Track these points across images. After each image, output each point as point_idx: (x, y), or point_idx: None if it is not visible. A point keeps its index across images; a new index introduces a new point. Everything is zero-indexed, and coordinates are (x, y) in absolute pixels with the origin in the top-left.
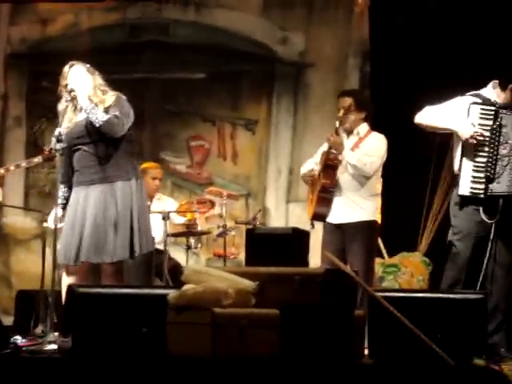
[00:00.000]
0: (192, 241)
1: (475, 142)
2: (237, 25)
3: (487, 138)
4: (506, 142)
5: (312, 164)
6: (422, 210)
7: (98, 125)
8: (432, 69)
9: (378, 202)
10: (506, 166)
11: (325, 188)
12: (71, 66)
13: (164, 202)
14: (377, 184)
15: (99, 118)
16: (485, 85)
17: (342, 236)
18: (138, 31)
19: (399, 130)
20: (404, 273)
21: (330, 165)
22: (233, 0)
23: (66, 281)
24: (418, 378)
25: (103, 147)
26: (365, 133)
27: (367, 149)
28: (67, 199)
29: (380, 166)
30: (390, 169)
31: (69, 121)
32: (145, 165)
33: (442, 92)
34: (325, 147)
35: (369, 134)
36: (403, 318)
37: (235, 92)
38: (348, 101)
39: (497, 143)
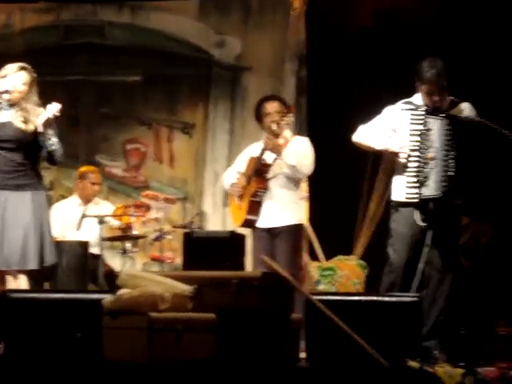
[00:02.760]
0: (128, 245)
1: (406, 154)
2: (173, 28)
3: (417, 143)
4: (432, 146)
5: (234, 174)
6: (357, 213)
7: (50, 148)
8: (369, 73)
9: (307, 204)
10: (433, 169)
11: (257, 192)
12: (21, 69)
13: (100, 206)
14: (304, 186)
15: (54, 141)
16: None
17: (271, 240)
18: (73, 33)
19: (335, 134)
20: (340, 276)
21: (262, 170)
22: (169, 3)
23: None
24: (355, 381)
25: (22, 154)
26: (289, 136)
27: (298, 151)
28: None
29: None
30: (326, 173)
31: None
32: (84, 168)
33: (378, 96)
34: (246, 154)
35: (292, 138)
36: (340, 321)
37: (172, 95)
38: (278, 105)
39: (425, 147)
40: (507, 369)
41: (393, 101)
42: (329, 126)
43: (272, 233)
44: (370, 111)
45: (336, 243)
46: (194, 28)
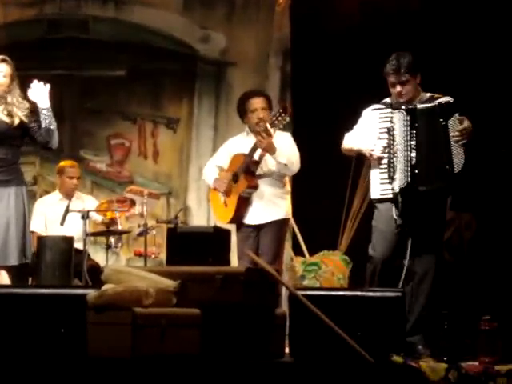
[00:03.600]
0: (112, 240)
1: (377, 155)
2: (157, 22)
3: (386, 140)
4: (395, 140)
5: (214, 168)
6: (342, 209)
7: (52, 126)
8: (353, 68)
9: (289, 198)
10: (397, 161)
11: (248, 190)
12: (1, 61)
13: (83, 201)
14: (287, 180)
15: (52, 119)
16: None
17: (257, 236)
18: (57, 27)
19: (320, 129)
20: (325, 271)
21: (251, 167)
22: None
23: None
24: (339, 376)
25: (5, 149)
26: (271, 132)
27: (287, 149)
28: None
29: None
30: (311, 169)
31: None
32: (61, 163)
33: (363, 92)
34: (226, 148)
35: (275, 134)
36: (324, 316)
37: (156, 90)
38: (263, 101)
39: (392, 143)
40: (491, 363)
41: (378, 97)
42: (313, 121)
43: (258, 229)
44: (354, 107)
45: (320, 238)
46: (179, 23)
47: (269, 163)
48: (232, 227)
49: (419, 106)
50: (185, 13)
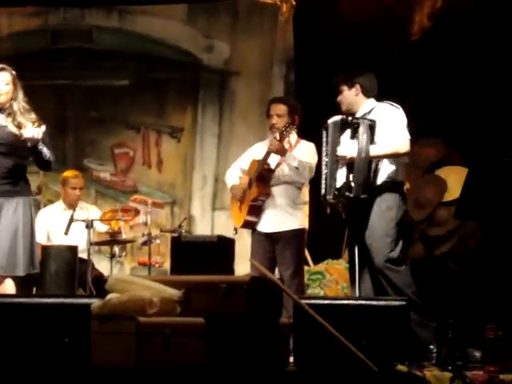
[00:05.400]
0: (116, 249)
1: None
2: (161, 32)
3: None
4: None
5: (237, 170)
6: None
7: (46, 157)
8: None
9: (307, 209)
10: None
11: (258, 198)
12: (1, 70)
13: (87, 211)
14: (306, 191)
15: (46, 152)
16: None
17: (271, 245)
18: (61, 37)
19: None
20: (329, 280)
21: (264, 175)
22: (157, 7)
23: None
24: None
25: (14, 160)
26: (295, 141)
27: (301, 156)
28: None
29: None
30: (316, 177)
31: None
32: (65, 174)
33: None
34: (251, 152)
35: (298, 142)
36: (328, 326)
37: (160, 99)
38: (282, 108)
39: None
40: (496, 372)
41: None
42: (317, 130)
43: (273, 238)
44: None
45: (325, 247)
46: (183, 32)
47: (283, 170)
48: (237, 236)
49: (328, 121)
50: (189, 22)
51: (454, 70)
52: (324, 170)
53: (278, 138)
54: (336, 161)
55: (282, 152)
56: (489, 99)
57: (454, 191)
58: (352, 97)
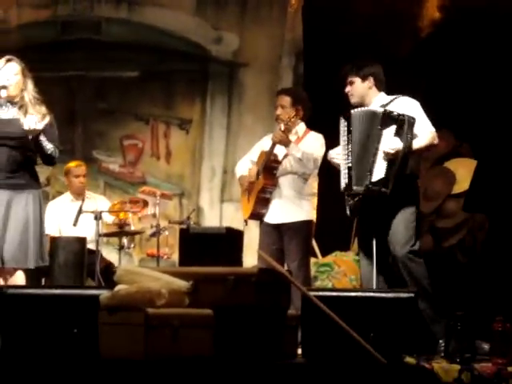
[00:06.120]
0: (125, 241)
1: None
2: (170, 23)
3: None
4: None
5: (248, 162)
6: None
7: (48, 152)
8: None
9: (315, 201)
10: (341, 166)
11: (265, 189)
12: (8, 61)
13: (95, 201)
14: (314, 183)
15: (49, 147)
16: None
17: (279, 236)
18: (70, 29)
19: (332, 131)
20: (337, 272)
21: (271, 166)
22: None
23: None
24: (351, 377)
25: (24, 153)
26: (303, 132)
27: (307, 147)
28: None
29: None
30: (323, 169)
31: None
32: (67, 165)
33: None
34: (261, 144)
35: (307, 134)
36: (336, 317)
37: (169, 91)
38: (287, 99)
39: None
40: (504, 365)
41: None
42: (326, 122)
43: (280, 229)
44: None
45: (333, 239)
46: (191, 24)
47: (289, 161)
48: (245, 228)
49: (353, 111)
50: (197, 14)
51: (463, 62)
52: (345, 161)
53: (282, 128)
54: (374, 154)
55: (285, 143)
56: (498, 91)
57: (462, 183)
58: (365, 89)
